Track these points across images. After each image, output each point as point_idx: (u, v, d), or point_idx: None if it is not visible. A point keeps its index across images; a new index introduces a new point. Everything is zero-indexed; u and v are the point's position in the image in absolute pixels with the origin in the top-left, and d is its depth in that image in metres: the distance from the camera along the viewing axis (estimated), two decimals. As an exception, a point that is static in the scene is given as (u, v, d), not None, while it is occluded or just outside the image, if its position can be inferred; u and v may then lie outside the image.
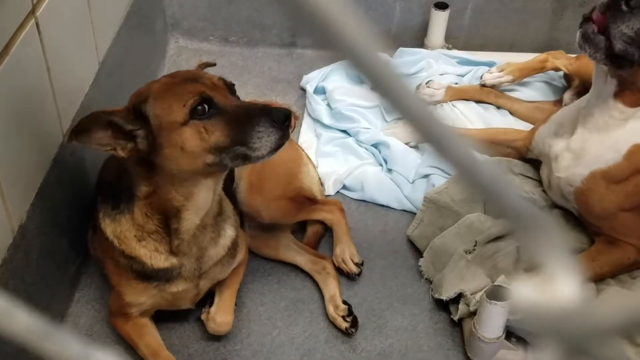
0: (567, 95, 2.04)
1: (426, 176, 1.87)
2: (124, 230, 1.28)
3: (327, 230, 1.75)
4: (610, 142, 1.52)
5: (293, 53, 2.43)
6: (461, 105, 2.10)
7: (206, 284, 1.41)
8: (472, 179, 0.29)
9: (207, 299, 1.49)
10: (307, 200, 1.69)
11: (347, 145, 2.01)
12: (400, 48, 2.34)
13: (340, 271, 1.64)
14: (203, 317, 1.49)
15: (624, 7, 1.35)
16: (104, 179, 1.41)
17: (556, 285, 0.30)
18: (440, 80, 2.15)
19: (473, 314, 1.46)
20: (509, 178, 1.77)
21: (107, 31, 1.76)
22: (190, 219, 1.25)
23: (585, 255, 1.58)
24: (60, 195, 1.45)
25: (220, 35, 2.45)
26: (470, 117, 2.06)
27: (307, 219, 1.72)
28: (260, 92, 2.23)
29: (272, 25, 2.42)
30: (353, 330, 1.52)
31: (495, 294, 1.36)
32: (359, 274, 1.64)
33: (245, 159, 1.16)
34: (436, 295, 1.57)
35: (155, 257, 1.29)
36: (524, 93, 2.17)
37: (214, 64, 1.46)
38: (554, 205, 1.73)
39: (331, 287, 1.59)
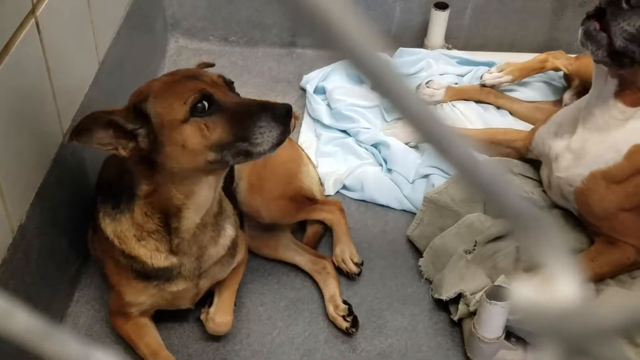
0: (566, 96, 2.05)
1: (426, 176, 1.87)
2: (124, 230, 1.28)
3: (327, 230, 1.75)
4: (611, 142, 1.52)
5: (293, 53, 2.43)
6: (461, 105, 2.10)
7: (206, 284, 1.41)
8: (472, 179, 0.29)
9: (207, 299, 1.49)
10: (307, 200, 1.69)
11: (347, 145, 2.01)
12: (400, 48, 2.34)
13: (340, 271, 1.64)
14: (202, 317, 1.49)
15: (624, 5, 1.35)
16: (104, 179, 1.41)
17: (556, 286, 0.30)
18: (440, 80, 2.16)
19: (473, 314, 1.46)
20: (509, 178, 1.77)
21: (107, 31, 1.76)
22: (190, 218, 1.25)
23: (585, 256, 1.58)
24: (60, 195, 1.45)
25: (220, 35, 2.45)
26: (470, 117, 2.06)
27: (307, 219, 1.72)
28: (260, 92, 2.23)
29: (272, 25, 2.42)
30: (353, 330, 1.52)
31: (495, 294, 1.36)
32: (359, 274, 1.64)
33: (247, 155, 1.16)
34: (436, 295, 1.57)
35: (155, 256, 1.29)
36: (523, 93, 2.17)
37: (213, 65, 1.46)
38: (554, 206, 1.73)
39: (331, 287, 1.59)
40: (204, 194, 1.23)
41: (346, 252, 1.65)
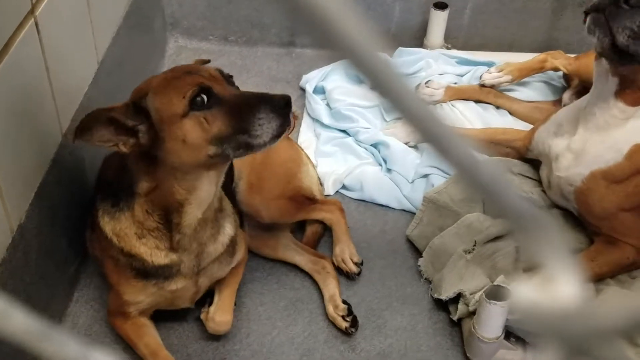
0: (566, 95, 2.05)
1: (425, 176, 1.87)
2: (124, 228, 1.28)
3: (326, 230, 1.75)
4: (611, 142, 1.52)
5: (292, 52, 2.43)
6: (460, 105, 2.10)
7: (205, 282, 1.41)
8: (472, 178, 0.29)
9: (207, 299, 1.49)
10: (306, 200, 1.69)
11: (347, 145, 2.01)
12: (400, 48, 2.34)
13: (339, 271, 1.64)
14: (202, 316, 1.49)
15: (624, 6, 1.35)
16: (103, 178, 1.41)
17: (556, 286, 0.30)
18: (440, 80, 2.16)
19: (472, 313, 1.46)
20: (509, 178, 1.77)
21: (107, 30, 1.76)
22: (192, 213, 1.25)
23: (585, 255, 1.58)
24: (59, 195, 1.45)
25: (219, 34, 2.45)
26: (469, 117, 2.06)
27: (307, 219, 1.72)
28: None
29: (271, 24, 2.42)
30: (353, 330, 1.52)
31: (494, 293, 1.36)
32: (359, 274, 1.64)
33: (248, 147, 1.16)
34: (435, 295, 1.57)
35: (155, 254, 1.29)
36: (523, 93, 2.17)
37: (209, 61, 1.46)
38: (553, 205, 1.73)
39: (331, 286, 1.59)
40: (206, 189, 1.23)
41: (346, 252, 1.65)
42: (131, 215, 1.27)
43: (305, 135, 2.07)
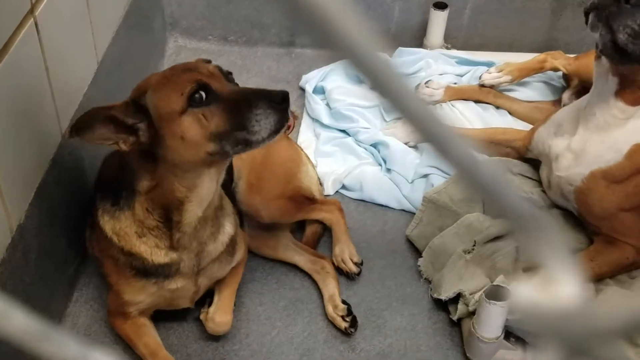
0: (566, 96, 2.05)
1: (425, 176, 1.87)
2: (124, 227, 1.28)
3: (326, 230, 1.75)
4: (611, 141, 1.52)
5: (292, 52, 2.43)
6: (460, 105, 2.10)
7: (205, 282, 1.41)
8: (472, 178, 0.29)
9: (206, 299, 1.49)
10: (306, 199, 1.69)
11: (346, 145, 2.01)
12: (400, 48, 2.34)
13: (339, 271, 1.64)
14: (202, 316, 1.49)
15: (625, 5, 1.35)
16: (103, 177, 1.41)
17: (556, 286, 0.30)
18: (439, 80, 2.15)
19: (472, 313, 1.46)
20: (509, 178, 1.77)
21: (106, 30, 1.76)
22: (193, 211, 1.25)
23: (584, 255, 1.58)
24: (59, 195, 1.45)
25: (219, 34, 2.45)
26: (469, 117, 2.06)
27: (306, 219, 1.72)
28: (259, 92, 2.22)
29: (271, 24, 2.42)
30: (352, 330, 1.52)
31: (494, 293, 1.36)
32: (358, 274, 1.64)
33: (246, 144, 1.16)
34: (435, 295, 1.57)
35: (155, 252, 1.29)
36: (522, 93, 2.17)
37: (210, 61, 1.46)
38: (553, 205, 1.73)
39: (330, 286, 1.59)
40: (206, 187, 1.23)
41: (345, 252, 1.65)
42: (131, 213, 1.27)
43: (305, 135, 2.07)
